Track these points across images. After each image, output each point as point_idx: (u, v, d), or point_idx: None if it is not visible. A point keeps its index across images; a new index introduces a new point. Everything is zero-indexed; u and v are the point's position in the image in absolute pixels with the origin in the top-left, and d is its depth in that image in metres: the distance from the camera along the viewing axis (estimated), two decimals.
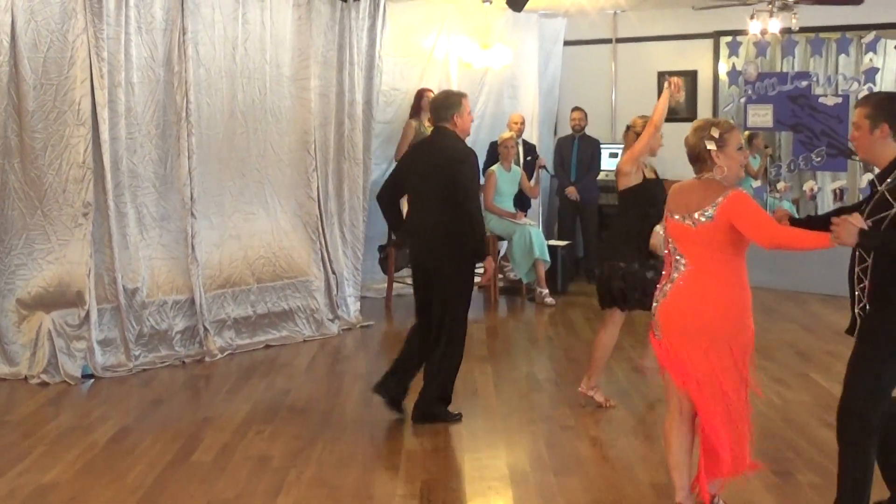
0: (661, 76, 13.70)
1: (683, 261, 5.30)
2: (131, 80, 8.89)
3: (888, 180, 4.94)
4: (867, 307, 5.05)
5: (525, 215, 12.43)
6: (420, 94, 12.01)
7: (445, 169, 7.24)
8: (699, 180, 5.30)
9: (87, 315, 8.59)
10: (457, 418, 7.48)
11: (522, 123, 12.82)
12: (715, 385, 5.25)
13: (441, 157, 7.30)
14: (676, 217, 5.29)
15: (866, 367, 5.03)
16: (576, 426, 7.42)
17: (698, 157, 5.28)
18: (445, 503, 6.03)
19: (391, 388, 7.53)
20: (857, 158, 12.10)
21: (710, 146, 5.23)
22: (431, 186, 7.30)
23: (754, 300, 5.32)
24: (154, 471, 6.45)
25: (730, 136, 5.27)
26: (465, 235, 7.17)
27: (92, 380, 8.57)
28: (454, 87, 12.70)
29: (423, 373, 7.52)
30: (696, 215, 5.17)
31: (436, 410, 7.45)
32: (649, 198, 7.48)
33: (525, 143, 12.87)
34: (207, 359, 9.24)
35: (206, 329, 9.35)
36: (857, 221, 4.78)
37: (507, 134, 12.30)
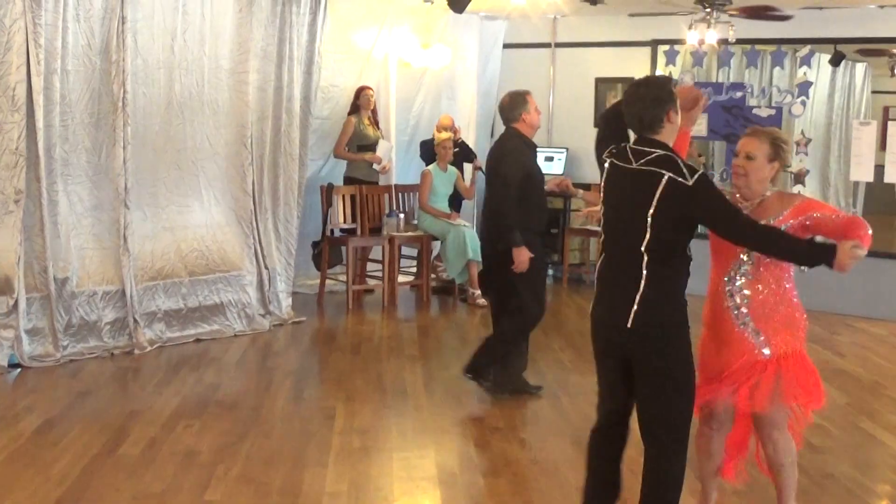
0: (599, 82, 13.81)
1: None
2: (67, 67, 8.78)
3: None
4: None
5: (458, 215, 12.47)
6: (359, 92, 12.01)
7: (494, 164, 8.08)
8: None
9: (16, 303, 8.48)
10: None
11: (452, 126, 12.81)
12: None
13: (496, 153, 8.19)
14: None
15: None
16: (505, 427, 7.46)
17: None
18: (373, 502, 6.04)
19: None
20: (789, 169, 12.34)
21: None
22: (490, 180, 8.26)
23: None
24: (80, 463, 6.40)
25: None
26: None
27: (19, 369, 8.47)
28: (392, 86, 12.81)
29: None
30: None
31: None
32: None
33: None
34: (136, 351, 9.17)
35: (136, 321, 9.27)
36: None
37: (444, 135, 12.32)
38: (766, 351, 5.12)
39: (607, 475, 5.16)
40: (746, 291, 5.13)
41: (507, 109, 8.05)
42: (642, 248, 4.71)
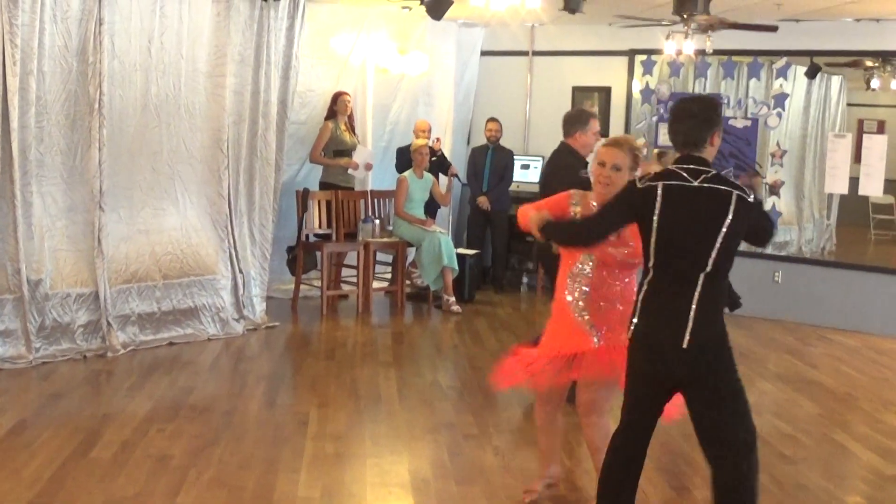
0: (576, 91, 13.84)
1: None
2: (43, 68, 8.73)
3: None
4: None
5: (434, 222, 12.47)
6: (336, 97, 12.01)
7: (547, 178, 8.20)
8: None
9: None
10: None
11: (429, 131, 12.85)
12: None
13: (549, 167, 8.25)
14: None
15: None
16: (479, 435, 7.46)
17: None
18: None
19: None
20: (764, 181, 12.39)
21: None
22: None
23: None
24: (52, 466, 6.36)
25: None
26: None
27: None
28: (369, 92, 12.81)
29: None
30: None
31: None
32: None
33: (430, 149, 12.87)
34: (109, 354, 9.12)
35: (109, 324, 9.23)
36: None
37: (421, 141, 12.34)
38: (596, 340, 5.58)
39: None
40: (585, 288, 5.62)
41: (567, 123, 7.99)
42: (706, 267, 4.71)
